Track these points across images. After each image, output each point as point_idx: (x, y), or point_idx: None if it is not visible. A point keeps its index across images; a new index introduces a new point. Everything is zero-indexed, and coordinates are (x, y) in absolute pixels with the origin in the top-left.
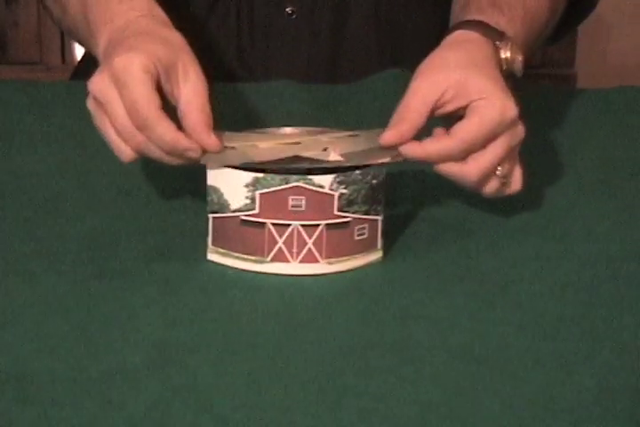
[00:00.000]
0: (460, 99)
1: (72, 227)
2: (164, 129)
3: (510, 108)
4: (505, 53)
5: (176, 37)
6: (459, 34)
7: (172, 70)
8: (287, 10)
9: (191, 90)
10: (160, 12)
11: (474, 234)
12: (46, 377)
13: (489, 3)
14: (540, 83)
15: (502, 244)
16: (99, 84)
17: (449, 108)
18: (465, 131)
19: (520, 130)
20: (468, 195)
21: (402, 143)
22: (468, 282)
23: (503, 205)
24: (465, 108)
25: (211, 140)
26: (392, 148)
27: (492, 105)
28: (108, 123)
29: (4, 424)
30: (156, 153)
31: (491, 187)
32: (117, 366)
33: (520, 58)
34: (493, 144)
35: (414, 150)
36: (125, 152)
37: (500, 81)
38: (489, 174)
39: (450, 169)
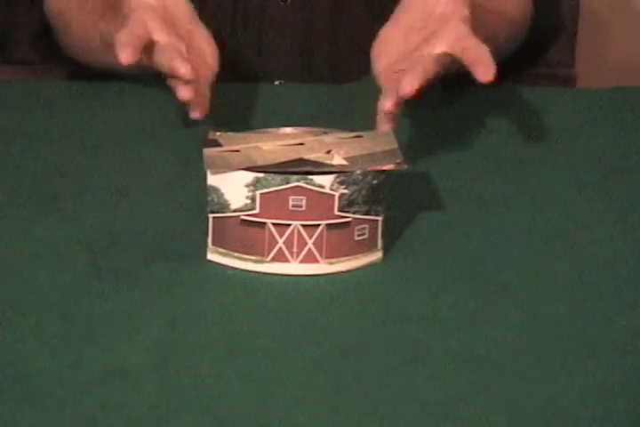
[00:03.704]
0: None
1: (72, 227)
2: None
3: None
4: None
5: None
6: None
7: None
8: None
9: None
10: None
11: (474, 234)
12: (46, 377)
13: None
14: (540, 83)
15: (502, 244)
16: None
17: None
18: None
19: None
20: (467, 195)
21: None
22: (468, 282)
23: (503, 206)
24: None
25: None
26: (394, 153)
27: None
28: None
29: (5, 424)
30: None
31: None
32: (117, 366)
33: None
34: None
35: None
36: None
37: None
38: None
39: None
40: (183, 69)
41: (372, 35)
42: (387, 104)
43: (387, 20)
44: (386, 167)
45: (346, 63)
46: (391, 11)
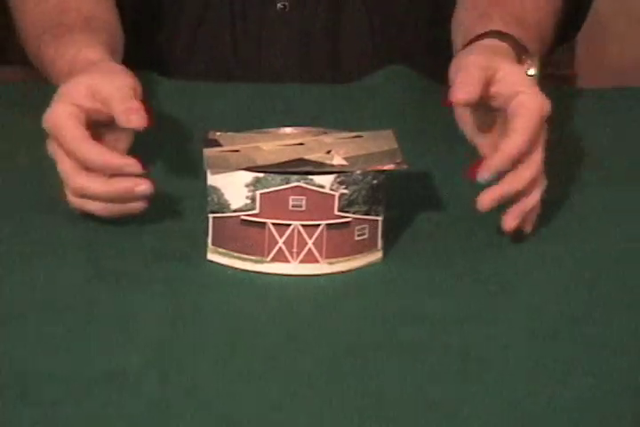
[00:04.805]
0: (507, 84)
1: (72, 227)
2: (96, 150)
3: (548, 103)
4: (531, 70)
5: (94, 67)
6: (489, 42)
7: (93, 94)
8: (279, 5)
9: (111, 90)
10: (85, 53)
11: (474, 234)
12: (46, 377)
13: (512, 17)
14: (540, 83)
15: (502, 244)
16: (47, 139)
17: (497, 88)
18: (524, 125)
19: (547, 128)
20: (467, 195)
21: (470, 100)
22: (468, 282)
23: (503, 205)
24: (506, 99)
25: (133, 116)
26: (394, 153)
27: (536, 99)
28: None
29: (5, 424)
30: (96, 194)
31: (535, 196)
32: (117, 366)
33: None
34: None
35: (494, 158)
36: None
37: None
38: (539, 172)
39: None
40: (143, 188)
41: (371, 39)
42: (510, 223)
43: (385, 23)
44: (386, 167)
45: (345, 68)
46: (390, 13)
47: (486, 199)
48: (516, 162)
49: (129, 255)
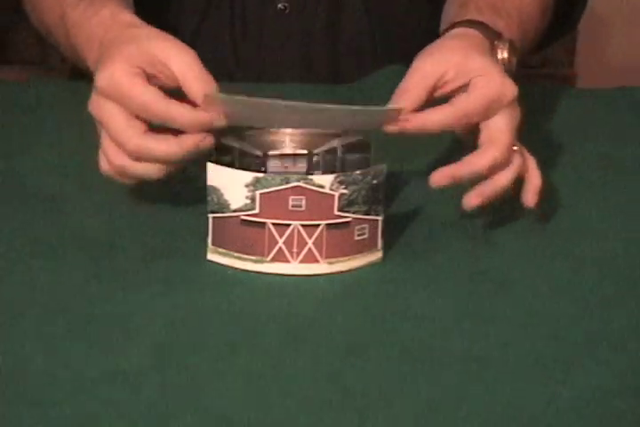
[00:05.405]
0: (461, 78)
1: (72, 227)
2: (187, 110)
3: (510, 86)
4: (502, 54)
5: (141, 31)
6: (458, 30)
7: (154, 62)
8: (279, 6)
9: (181, 65)
10: (122, 15)
11: (474, 234)
12: (46, 377)
13: (488, 6)
14: (540, 83)
15: (502, 243)
16: (93, 103)
17: (450, 87)
18: (465, 101)
19: (518, 111)
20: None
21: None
22: (468, 282)
23: (503, 205)
24: (465, 86)
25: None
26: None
27: (492, 80)
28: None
29: (4, 424)
30: (160, 156)
31: (506, 177)
32: (117, 366)
33: (515, 60)
34: (496, 117)
35: (414, 118)
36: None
37: (498, 65)
38: (503, 156)
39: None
40: (208, 141)
41: (371, 39)
42: (470, 202)
43: (384, 29)
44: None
45: (345, 68)
46: (390, 13)
47: (437, 175)
48: (485, 143)
49: (129, 255)
